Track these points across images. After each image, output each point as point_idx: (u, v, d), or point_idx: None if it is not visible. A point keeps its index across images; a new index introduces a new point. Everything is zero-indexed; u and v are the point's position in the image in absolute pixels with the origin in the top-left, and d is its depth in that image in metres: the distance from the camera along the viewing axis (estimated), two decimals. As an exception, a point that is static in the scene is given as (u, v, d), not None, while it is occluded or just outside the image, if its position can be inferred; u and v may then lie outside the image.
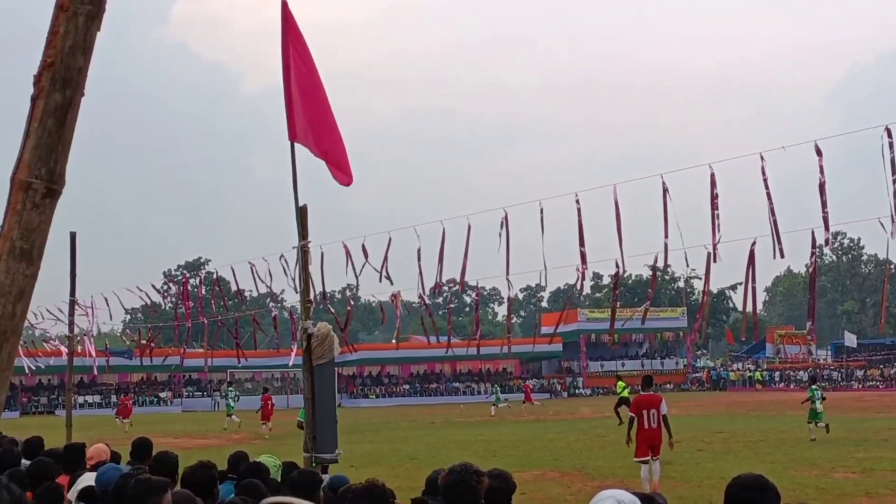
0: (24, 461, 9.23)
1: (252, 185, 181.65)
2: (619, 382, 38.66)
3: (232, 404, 41.68)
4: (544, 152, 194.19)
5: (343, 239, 11.55)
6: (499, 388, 52.64)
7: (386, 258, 11.36)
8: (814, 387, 27.55)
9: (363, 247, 11.47)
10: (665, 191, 9.94)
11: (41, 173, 2.21)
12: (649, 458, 15.80)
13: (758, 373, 79.25)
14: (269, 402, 37.52)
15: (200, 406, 68.15)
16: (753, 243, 8.96)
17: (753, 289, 9.59)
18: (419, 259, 11.78)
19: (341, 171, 8.55)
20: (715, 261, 9.79)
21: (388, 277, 11.60)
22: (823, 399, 27.22)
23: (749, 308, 10.38)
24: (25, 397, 64.19)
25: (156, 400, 69.26)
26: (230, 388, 45.79)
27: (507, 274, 11.42)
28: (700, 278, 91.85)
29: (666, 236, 10.15)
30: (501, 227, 11.04)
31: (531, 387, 60.48)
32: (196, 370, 69.36)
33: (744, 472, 3.90)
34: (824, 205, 8.43)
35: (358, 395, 73.39)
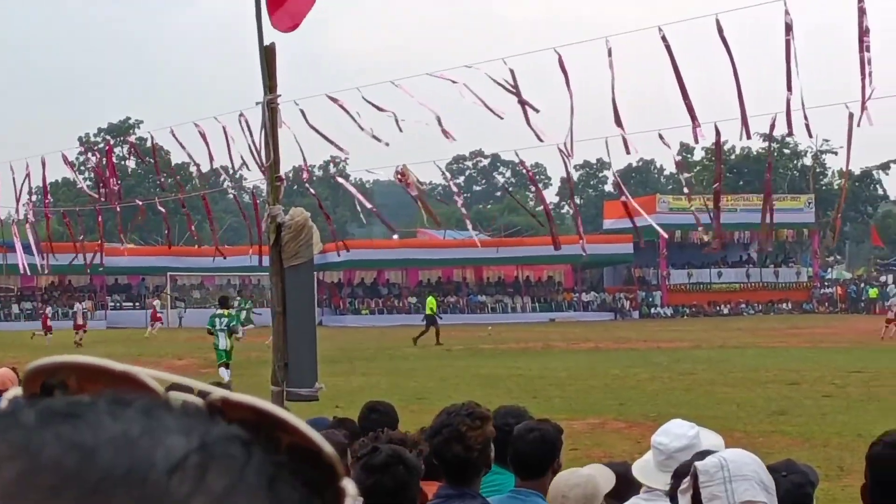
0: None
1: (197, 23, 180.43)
2: (430, 298, 52.81)
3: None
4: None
5: (328, 91, 11.45)
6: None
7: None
8: None
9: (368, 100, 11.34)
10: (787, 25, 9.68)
11: None
12: None
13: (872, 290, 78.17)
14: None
15: (130, 321, 67.24)
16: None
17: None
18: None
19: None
20: (859, 125, 9.56)
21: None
22: None
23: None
24: None
25: (70, 313, 67.50)
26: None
27: (571, 135, 11.26)
28: (836, 153, 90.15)
29: (789, 90, 9.91)
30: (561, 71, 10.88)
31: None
32: (124, 273, 69.84)
33: (893, 426, 3.79)
34: None
35: (346, 311, 73.83)
